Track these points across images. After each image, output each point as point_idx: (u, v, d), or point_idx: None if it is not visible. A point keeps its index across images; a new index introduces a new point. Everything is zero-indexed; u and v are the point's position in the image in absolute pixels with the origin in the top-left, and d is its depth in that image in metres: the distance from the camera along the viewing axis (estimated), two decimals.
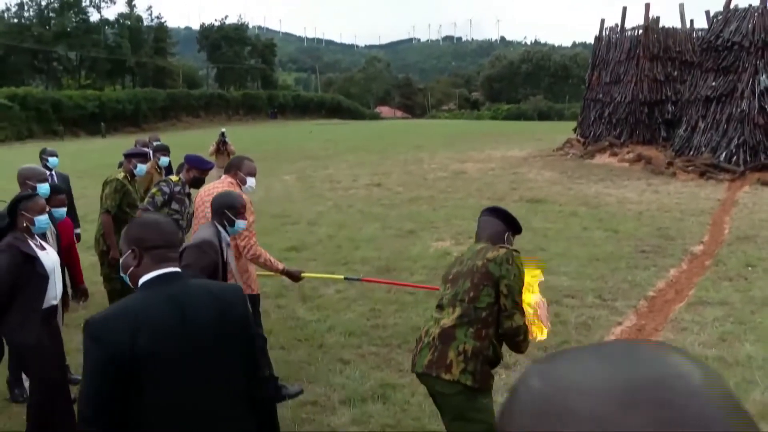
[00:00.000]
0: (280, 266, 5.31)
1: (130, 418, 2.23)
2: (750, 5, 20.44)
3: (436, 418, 4.94)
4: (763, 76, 19.55)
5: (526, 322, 3.65)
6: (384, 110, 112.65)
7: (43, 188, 5.40)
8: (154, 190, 5.92)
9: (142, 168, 7.16)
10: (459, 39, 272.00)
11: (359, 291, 8.31)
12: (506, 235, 3.81)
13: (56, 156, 8.81)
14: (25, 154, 24.61)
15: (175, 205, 5.87)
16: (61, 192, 5.65)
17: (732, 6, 21.29)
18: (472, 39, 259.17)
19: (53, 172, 8.49)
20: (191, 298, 2.35)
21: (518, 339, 3.60)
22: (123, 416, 2.22)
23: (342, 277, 6.96)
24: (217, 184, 5.37)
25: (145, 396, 2.23)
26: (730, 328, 6.95)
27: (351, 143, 35.93)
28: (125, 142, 15.82)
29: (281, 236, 11.96)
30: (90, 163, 21.84)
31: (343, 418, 5.01)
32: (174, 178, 6.05)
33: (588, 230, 12.20)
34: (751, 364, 5.86)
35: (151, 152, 9.34)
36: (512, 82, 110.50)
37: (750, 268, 9.47)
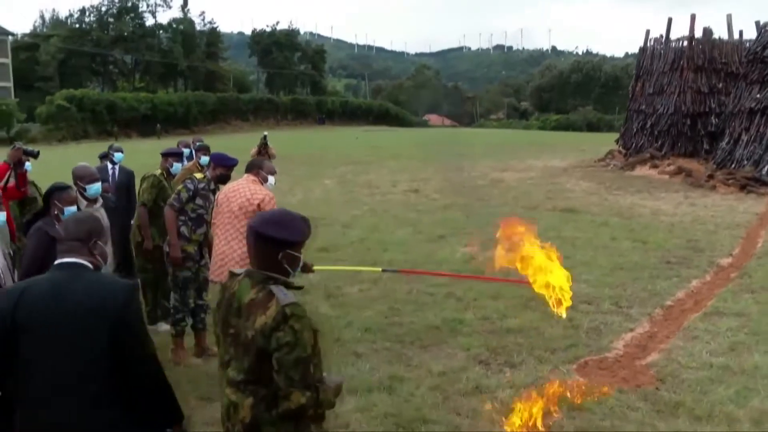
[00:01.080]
0: None
1: (6, 385, 2.69)
2: None
3: (436, 409, 5.24)
4: None
5: None
6: (432, 118, 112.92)
7: (93, 189, 5.69)
8: (180, 186, 6.27)
9: (177, 166, 7.60)
10: (510, 48, 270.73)
11: (381, 291, 8.62)
12: (280, 255, 2.82)
13: (122, 152, 9.34)
14: (80, 154, 25.58)
15: (199, 201, 6.19)
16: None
17: None
18: (523, 48, 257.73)
19: (117, 167, 9.00)
20: (75, 285, 2.74)
21: (302, 419, 2.78)
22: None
23: (380, 269, 7.16)
24: (241, 182, 5.75)
25: (19, 366, 2.66)
26: (742, 338, 7.04)
27: (395, 150, 36.30)
28: (169, 143, 16.47)
29: (313, 237, 12.25)
30: (145, 161, 22.49)
31: (348, 405, 5.30)
32: (199, 175, 6.39)
33: (616, 240, 12.28)
34: (756, 374, 5.97)
35: (193, 152, 9.82)
36: (562, 92, 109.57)
37: None
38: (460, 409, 5.26)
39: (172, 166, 7.57)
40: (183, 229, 6.08)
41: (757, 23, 22.52)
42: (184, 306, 6.35)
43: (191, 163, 8.74)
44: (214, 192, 6.33)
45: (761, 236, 13.14)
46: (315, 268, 5.89)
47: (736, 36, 26.31)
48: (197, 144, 10.72)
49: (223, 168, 6.32)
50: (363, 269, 7.21)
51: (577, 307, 8.04)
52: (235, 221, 5.76)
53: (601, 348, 6.70)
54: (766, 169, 19.71)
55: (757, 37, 21.95)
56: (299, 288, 2.86)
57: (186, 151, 10.42)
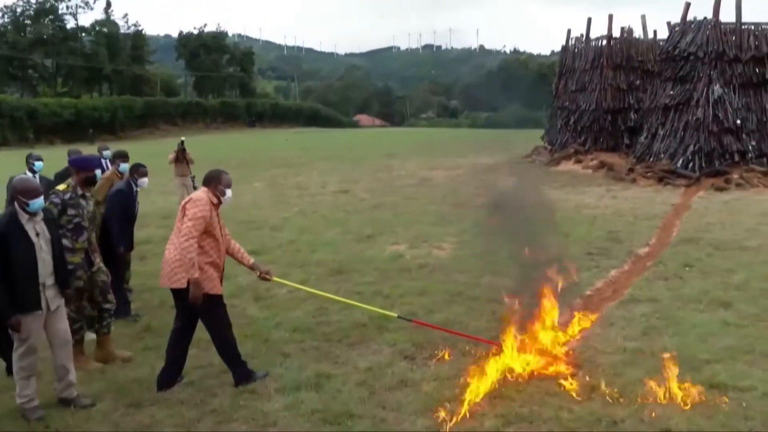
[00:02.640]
0: (196, 275, 5.46)
1: None
2: (705, 17, 21.16)
3: (363, 404, 5.36)
4: (717, 85, 20.22)
5: None
6: (362, 118, 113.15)
7: (37, 203, 5.43)
8: (47, 204, 6.08)
9: (97, 173, 7.47)
10: (439, 47, 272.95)
11: (309, 292, 8.69)
12: None
13: (42, 161, 9.30)
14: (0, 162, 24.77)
15: (71, 211, 6.13)
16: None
17: (689, 18, 21.97)
18: (452, 47, 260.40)
19: (37, 176, 8.93)
20: None
21: None
22: None
23: (395, 315, 6.97)
24: (200, 194, 5.65)
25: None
26: (654, 323, 7.40)
27: (325, 151, 36.35)
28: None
29: (243, 241, 12.08)
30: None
31: (276, 404, 5.38)
32: (61, 186, 6.28)
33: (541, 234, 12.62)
34: (664, 355, 6.28)
35: (107, 161, 9.75)
36: (491, 90, 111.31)
37: (687, 269, 9.95)
38: (385, 402, 5.39)
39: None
40: (65, 241, 6.01)
41: (669, 23, 23.47)
42: (79, 315, 6.36)
43: (110, 171, 8.62)
44: (84, 197, 6.29)
45: (676, 226, 13.75)
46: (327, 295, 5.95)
47: (651, 36, 27.35)
48: (104, 151, 10.61)
49: (87, 171, 6.29)
50: (376, 310, 7.13)
51: (501, 300, 8.29)
52: (176, 229, 5.73)
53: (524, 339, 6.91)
54: (681, 161, 20.57)
55: (669, 36, 22.88)
56: None
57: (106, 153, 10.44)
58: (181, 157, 15.20)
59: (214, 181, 5.77)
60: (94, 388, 5.81)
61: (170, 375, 5.79)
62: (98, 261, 6.52)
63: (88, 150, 10.21)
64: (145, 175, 8.18)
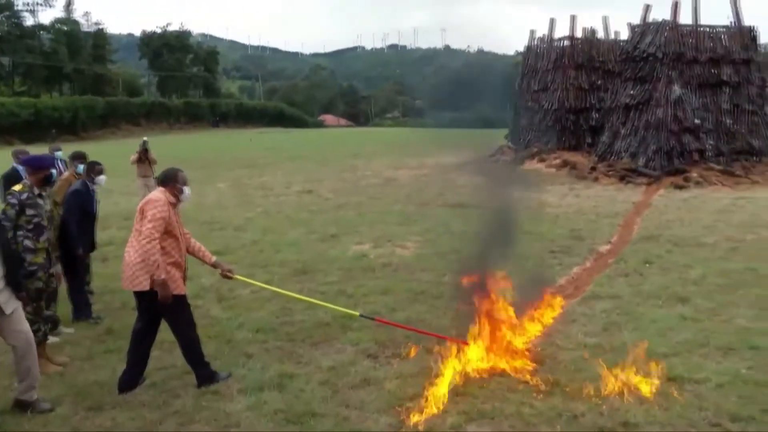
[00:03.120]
0: (163, 276, 5.44)
1: None
2: (663, 19, 21.54)
3: (326, 403, 5.36)
4: (676, 86, 20.59)
5: None
6: (328, 118, 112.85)
7: None
8: (4, 206, 6.09)
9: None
10: (404, 47, 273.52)
11: (273, 292, 8.66)
12: None
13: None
14: None
15: (30, 211, 6.05)
16: None
17: (649, 20, 22.35)
18: (417, 47, 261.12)
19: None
20: None
21: None
22: None
23: (358, 314, 6.91)
24: (158, 195, 5.59)
25: None
26: (614, 319, 7.53)
27: (290, 152, 36.22)
28: (65, 150, 15.89)
29: (207, 241, 12.01)
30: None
31: (239, 405, 5.35)
32: (17, 187, 6.20)
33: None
34: (624, 350, 6.39)
35: (61, 162, 9.62)
36: (456, 90, 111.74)
37: (647, 265, 10.14)
38: (348, 401, 5.39)
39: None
40: (27, 242, 5.98)
41: (629, 25, 23.85)
42: (37, 317, 6.23)
43: (69, 172, 8.48)
44: (41, 196, 6.22)
45: (637, 223, 13.98)
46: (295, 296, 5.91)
47: (612, 37, 27.76)
48: (56, 152, 10.47)
49: (42, 170, 6.22)
50: (339, 309, 7.08)
51: (464, 298, 8.35)
52: (135, 231, 5.66)
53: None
54: (642, 160, 20.91)
55: (629, 37, 23.25)
56: None
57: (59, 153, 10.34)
58: (144, 158, 15.07)
59: (171, 180, 5.73)
60: (53, 392, 5.72)
61: (132, 377, 5.73)
62: (58, 265, 6.46)
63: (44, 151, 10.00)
64: (101, 172, 8.04)
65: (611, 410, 5.15)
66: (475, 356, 6.04)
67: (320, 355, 6.43)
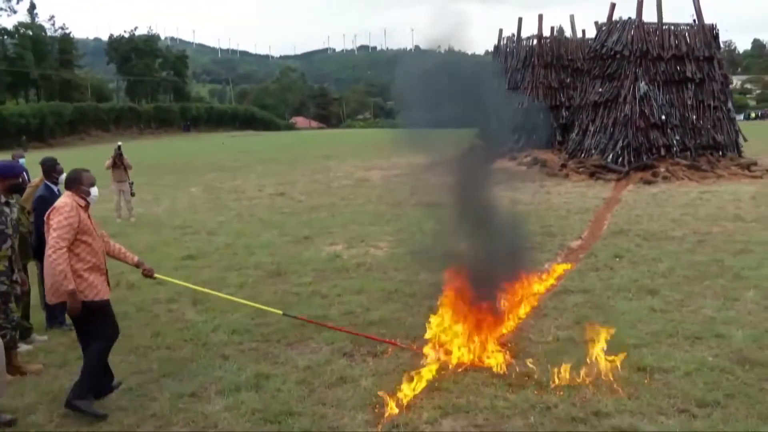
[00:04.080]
0: (70, 287, 5.15)
1: None
2: (629, 17, 21.88)
3: (302, 402, 5.41)
4: (642, 82, 20.91)
5: None
6: (299, 121, 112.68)
7: None
8: None
9: None
10: (374, 48, 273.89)
11: (248, 294, 8.69)
12: None
13: None
14: None
15: None
16: None
17: (615, 18, 22.68)
18: (387, 48, 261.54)
19: None
20: None
21: None
22: None
23: (281, 312, 6.91)
24: (64, 200, 5.37)
25: None
26: (586, 312, 7.65)
27: (262, 155, 36.11)
28: (33, 157, 15.71)
29: (180, 246, 12.19)
30: None
31: (216, 406, 5.38)
32: None
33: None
34: (594, 342, 6.51)
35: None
36: (427, 90, 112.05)
37: (617, 259, 10.31)
38: (325, 399, 5.44)
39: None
40: None
41: (596, 23, 24.17)
42: (5, 321, 6.19)
43: (38, 179, 8.37)
44: (8, 204, 6.18)
45: (607, 219, 14.19)
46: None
47: (579, 35, 28.09)
48: (20, 159, 10.42)
49: (11, 178, 6.18)
50: (263, 308, 7.10)
51: (433, 294, 8.44)
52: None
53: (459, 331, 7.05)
54: (611, 156, 21.20)
55: (596, 35, 23.57)
56: None
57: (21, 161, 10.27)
58: (119, 163, 14.99)
59: (76, 183, 5.47)
60: (27, 399, 5.69)
61: (101, 384, 5.59)
62: (21, 272, 6.38)
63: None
64: (62, 172, 7.86)
65: (583, 401, 5.26)
66: (449, 352, 6.13)
67: (296, 355, 6.47)
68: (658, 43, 21.65)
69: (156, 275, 6.07)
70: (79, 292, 5.25)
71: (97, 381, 5.44)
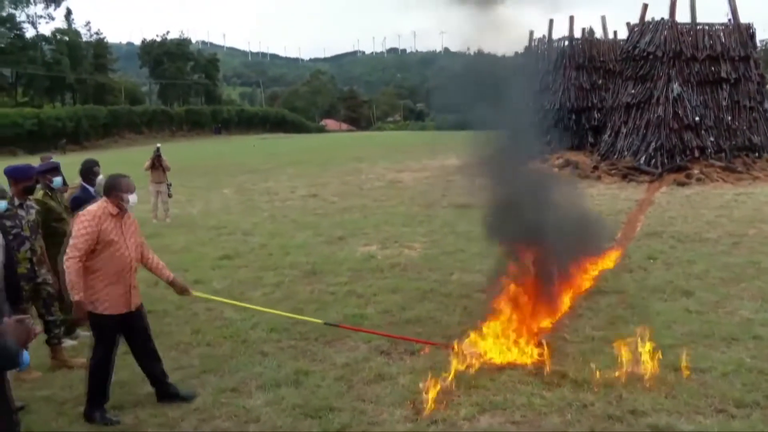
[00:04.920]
0: (76, 297, 5.15)
1: None
2: (662, 18, 21.71)
3: (342, 398, 5.52)
4: (675, 84, 20.74)
5: None
6: (329, 123, 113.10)
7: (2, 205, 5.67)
8: None
9: (58, 181, 7.48)
10: (403, 51, 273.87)
11: (284, 293, 8.86)
12: None
13: None
14: None
15: (7, 222, 6.10)
16: None
17: (647, 19, 22.51)
18: (416, 50, 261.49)
19: None
20: None
21: None
22: None
23: (322, 321, 6.94)
24: (91, 208, 5.33)
25: None
26: (620, 313, 7.67)
27: (293, 157, 36.37)
28: (72, 159, 16.06)
29: (215, 246, 12.39)
30: None
31: (258, 401, 5.52)
32: None
33: None
34: (630, 342, 6.53)
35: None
36: (456, 92, 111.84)
37: (651, 261, 10.28)
38: (364, 396, 5.55)
39: (52, 182, 7.40)
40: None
41: (628, 24, 24.00)
42: (49, 314, 6.46)
43: (77, 181, 8.48)
44: (22, 206, 6.30)
45: (640, 220, 14.11)
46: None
47: (611, 36, 27.92)
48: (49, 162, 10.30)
49: (25, 181, 6.31)
50: (304, 318, 7.17)
51: (472, 296, 8.53)
52: None
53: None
54: (643, 158, 21.04)
55: (629, 37, 23.41)
56: None
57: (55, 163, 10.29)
58: (157, 164, 15.26)
59: (114, 190, 5.33)
60: (76, 391, 5.88)
61: (159, 382, 5.68)
62: (44, 272, 6.49)
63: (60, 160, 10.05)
64: (99, 173, 7.84)
65: (619, 399, 5.31)
66: (489, 349, 6.22)
67: (334, 353, 6.59)
68: (691, 44, 21.45)
69: (193, 292, 6.09)
70: (89, 303, 5.23)
71: (100, 391, 5.40)
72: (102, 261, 5.21)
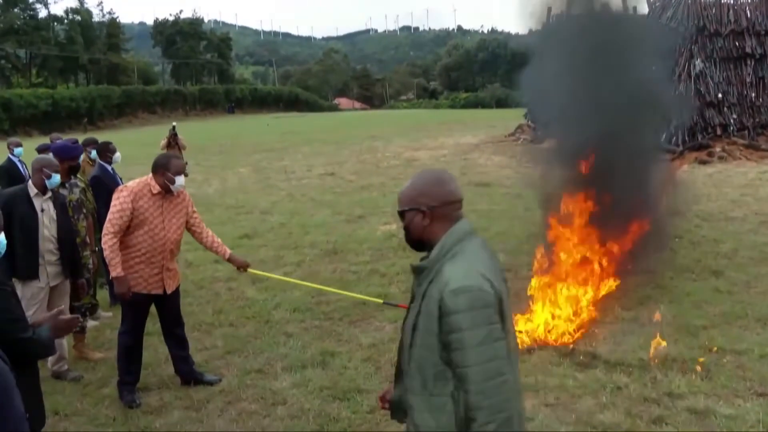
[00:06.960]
0: (114, 273, 5.08)
1: None
2: None
3: (370, 379, 5.42)
4: (698, 60, 20.35)
5: None
6: (342, 102, 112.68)
7: (55, 179, 5.57)
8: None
9: (117, 156, 7.59)
10: (416, 29, 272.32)
11: (306, 272, 8.76)
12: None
13: (21, 146, 9.38)
14: None
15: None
16: None
17: None
18: (430, 29, 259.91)
19: (18, 161, 9.39)
20: None
21: None
22: None
23: (381, 301, 6.72)
24: (129, 184, 5.27)
25: None
26: (649, 293, 7.52)
27: (307, 135, 36.20)
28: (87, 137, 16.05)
29: (234, 225, 12.30)
30: None
31: (284, 382, 5.43)
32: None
33: (530, 210, 12.64)
34: (661, 322, 6.41)
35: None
36: (469, 70, 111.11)
37: (677, 240, 10.08)
38: (392, 377, 5.44)
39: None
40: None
41: None
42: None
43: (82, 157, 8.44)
44: (64, 185, 6.18)
45: (662, 200, 13.86)
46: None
47: (631, 11, 27.39)
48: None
49: (70, 160, 6.21)
50: (364, 298, 7.00)
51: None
52: None
53: (521, 311, 7.00)
54: (664, 136, 20.70)
55: (649, 11, 22.90)
56: None
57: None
58: (173, 143, 15.18)
59: (161, 168, 5.18)
60: (99, 373, 5.83)
61: (182, 366, 5.62)
62: (86, 254, 6.37)
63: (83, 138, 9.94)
64: (115, 150, 7.73)
65: (653, 381, 5.18)
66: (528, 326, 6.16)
67: (359, 333, 6.49)
68: (715, 18, 21.01)
69: (250, 270, 5.94)
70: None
71: (126, 370, 5.35)
72: (136, 238, 5.13)
